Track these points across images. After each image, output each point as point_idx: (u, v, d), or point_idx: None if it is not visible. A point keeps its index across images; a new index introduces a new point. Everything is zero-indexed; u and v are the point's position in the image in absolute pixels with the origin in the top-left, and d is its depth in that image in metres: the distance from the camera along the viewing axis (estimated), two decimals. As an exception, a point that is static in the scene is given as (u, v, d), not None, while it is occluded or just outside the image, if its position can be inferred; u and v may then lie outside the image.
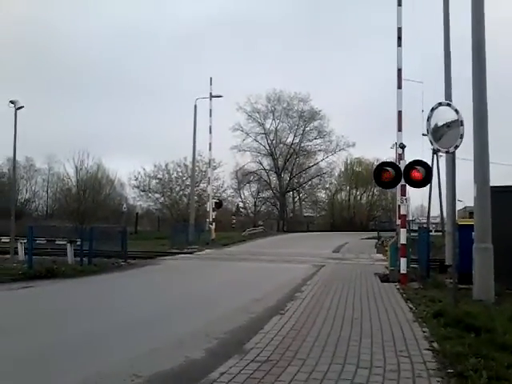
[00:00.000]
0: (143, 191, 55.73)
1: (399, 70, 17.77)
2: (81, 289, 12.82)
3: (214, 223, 33.99)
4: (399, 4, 16.57)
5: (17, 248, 18.76)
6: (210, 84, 34.51)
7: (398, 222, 16.45)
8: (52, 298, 11.17)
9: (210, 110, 34.64)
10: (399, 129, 17.46)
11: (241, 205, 66.70)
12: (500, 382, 4.63)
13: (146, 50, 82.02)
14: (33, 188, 55.83)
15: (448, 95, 15.93)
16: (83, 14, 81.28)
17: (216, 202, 36.72)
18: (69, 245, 16.67)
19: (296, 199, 70.48)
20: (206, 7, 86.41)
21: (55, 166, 55.07)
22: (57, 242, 17.98)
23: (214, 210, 35.06)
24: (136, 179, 54.92)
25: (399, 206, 14.62)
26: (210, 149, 35.60)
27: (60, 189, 55.86)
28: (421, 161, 12.82)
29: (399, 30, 16.76)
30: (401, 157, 15.45)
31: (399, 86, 18.17)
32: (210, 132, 34.79)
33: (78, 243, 16.96)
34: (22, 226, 23.27)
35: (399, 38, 17.01)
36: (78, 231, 20.18)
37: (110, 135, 70.68)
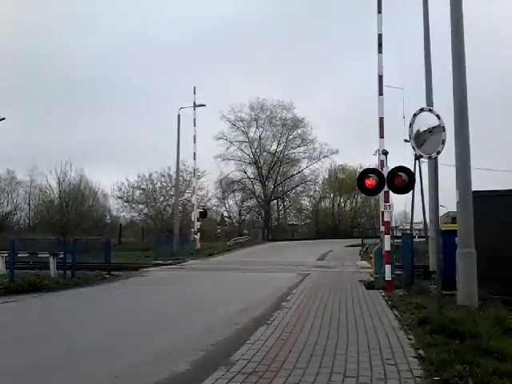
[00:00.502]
0: (127, 202, 55.30)
1: (380, 77, 18.00)
2: (64, 302, 12.62)
3: (198, 233, 33.85)
4: (379, 11, 16.78)
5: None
6: (194, 93, 34.65)
7: (382, 228, 16.55)
8: (34, 312, 10.98)
9: (194, 120, 34.73)
10: (381, 135, 17.62)
11: (225, 214, 66.62)
12: (486, 388, 4.65)
13: (125, 61, 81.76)
14: (14, 201, 54.91)
15: (429, 101, 16.12)
16: (68, 26, 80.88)
17: (201, 212, 36.63)
18: (51, 258, 16.41)
19: (280, 207, 70.56)
20: (191, 15, 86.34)
21: (37, 178, 54.34)
22: (39, 255, 17.70)
23: (198, 220, 34.97)
24: (119, 190, 54.51)
25: (383, 212, 14.72)
26: (194, 158, 35.64)
27: (42, 201, 55.09)
28: (403, 167, 12.92)
29: (379, 36, 16.99)
30: (383, 163, 15.56)
31: (380, 93, 18.43)
32: (195, 142, 34.86)
33: (61, 256, 16.73)
34: (4, 240, 22.92)
35: (380, 45, 17.24)
36: (60, 244, 19.92)
37: (92, 146, 70.04)
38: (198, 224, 34.52)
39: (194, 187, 37.27)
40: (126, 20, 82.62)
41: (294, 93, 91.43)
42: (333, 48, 79.37)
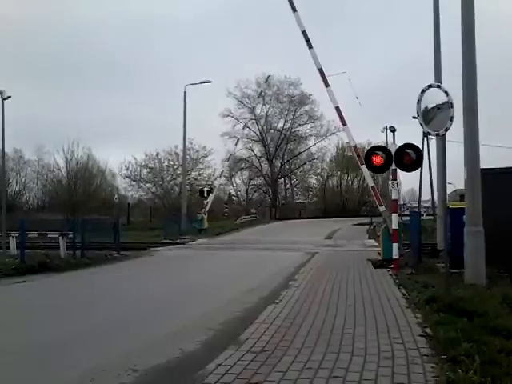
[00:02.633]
0: (134, 181, 55.44)
1: (320, 70, 18.56)
2: (75, 282, 12.80)
3: (206, 212, 33.88)
4: (294, 10, 17.45)
5: (8, 242, 18.65)
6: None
7: (382, 208, 16.59)
8: (46, 292, 11.12)
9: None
10: (343, 123, 17.91)
11: (233, 193, 66.70)
12: (492, 366, 4.67)
13: (134, 38, 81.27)
14: (23, 180, 55.41)
15: (438, 78, 15.93)
16: (73, 2, 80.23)
17: (208, 191, 36.68)
18: (61, 238, 16.59)
19: (288, 186, 70.48)
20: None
21: (45, 157, 54.68)
22: (49, 236, 17.91)
23: (205, 199, 35.00)
24: (127, 169, 54.63)
25: (379, 195, 14.95)
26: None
27: (50, 180, 55.48)
28: (411, 144, 12.83)
29: (304, 33, 17.39)
30: (356, 149, 16.35)
31: (326, 85, 18.74)
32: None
33: (71, 236, 16.90)
34: (13, 220, 23.11)
35: (307, 41, 17.58)
36: (69, 223, 20.08)
37: (99, 125, 70.31)
38: (205, 203, 34.56)
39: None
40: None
41: (300, 68, 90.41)
42: (338, 26, 78.38)
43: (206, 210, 33.75)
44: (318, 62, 18.21)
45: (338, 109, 18.08)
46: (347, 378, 4.57)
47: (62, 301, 9.80)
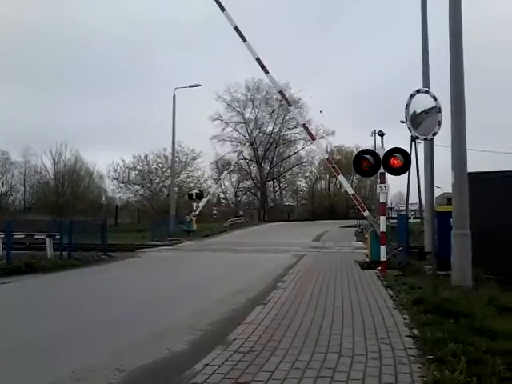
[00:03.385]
0: (122, 183, 55.32)
1: (280, 92, 20.55)
2: (61, 283, 12.69)
3: (196, 215, 33.83)
4: (243, 40, 18.14)
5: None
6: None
7: (366, 213, 16.68)
8: (32, 292, 11.01)
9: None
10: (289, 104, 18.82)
11: (221, 195, 66.66)
12: (478, 365, 4.72)
13: (125, 41, 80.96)
14: (9, 182, 54.80)
15: (426, 84, 16.06)
16: (63, 4, 79.79)
17: (197, 193, 36.64)
18: (48, 239, 16.44)
19: (276, 188, 70.64)
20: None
21: (32, 159, 54.20)
22: (35, 237, 17.71)
23: (195, 201, 34.96)
24: (115, 171, 54.50)
25: (359, 200, 15.12)
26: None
27: (37, 182, 55.02)
28: (399, 148, 12.94)
29: (258, 60, 18.30)
30: (330, 161, 16.90)
31: (289, 105, 24.02)
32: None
33: (58, 237, 16.75)
34: None
35: (263, 67, 18.53)
36: (56, 225, 19.90)
37: (87, 127, 69.98)
38: (194, 205, 34.52)
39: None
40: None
41: (289, 74, 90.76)
42: (323, 30, 78.78)
43: (197, 213, 33.70)
44: (278, 85, 20.29)
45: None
46: (335, 378, 4.58)
47: (49, 301, 9.70)
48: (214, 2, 18.92)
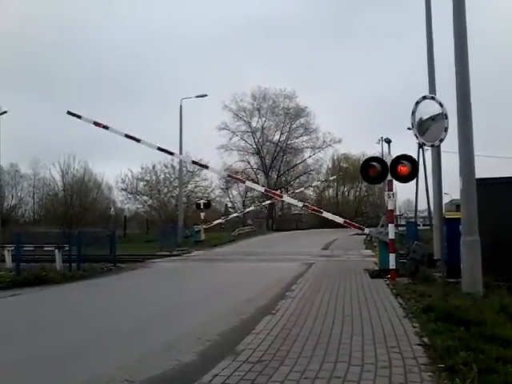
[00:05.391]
0: (131, 194, 55.37)
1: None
2: (70, 294, 12.71)
3: (203, 224, 33.85)
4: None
5: (4, 255, 18.54)
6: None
7: (366, 230, 16.35)
8: (41, 304, 11.06)
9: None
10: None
11: (229, 205, 66.67)
12: (490, 374, 4.66)
13: (132, 50, 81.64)
14: (19, 194, 55.13)
15: (432, 89, 16.02)
16: (72, 15, 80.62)
17: (205, 203, 36.67)
18: (57, 251, 16.52)
19: (284, 197, 70.46)
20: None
21: (41, 171, 54.48)
22: (45, 248, 17.79)
23: (202, 211, 34.98)
24: (123, 182, 54.59)
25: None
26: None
27: (46, 194, 55.26)
28: (407, 155, 12.90)
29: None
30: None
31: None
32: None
33: (67, 249, 16.82)
34: (9, 233, 23.04)
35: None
36: (65, 236, 19.98)
37: (95, 138, 69.99)
38: (202, 215, 34.55)
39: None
40: (137, 11, 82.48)
41: (295, 82, 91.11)
42: (328, 40, 79.02)
43: (213, 224, 33.75)
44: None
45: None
46: (344, 388, 4.55)
47: (58, 313, 9.73)
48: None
